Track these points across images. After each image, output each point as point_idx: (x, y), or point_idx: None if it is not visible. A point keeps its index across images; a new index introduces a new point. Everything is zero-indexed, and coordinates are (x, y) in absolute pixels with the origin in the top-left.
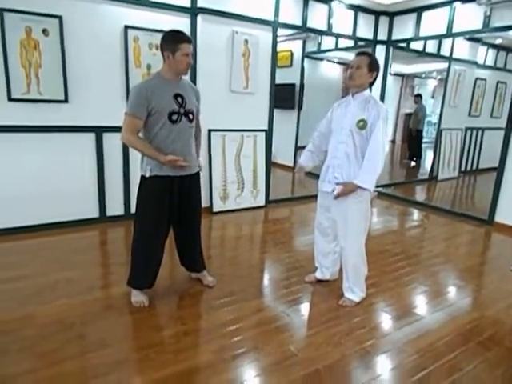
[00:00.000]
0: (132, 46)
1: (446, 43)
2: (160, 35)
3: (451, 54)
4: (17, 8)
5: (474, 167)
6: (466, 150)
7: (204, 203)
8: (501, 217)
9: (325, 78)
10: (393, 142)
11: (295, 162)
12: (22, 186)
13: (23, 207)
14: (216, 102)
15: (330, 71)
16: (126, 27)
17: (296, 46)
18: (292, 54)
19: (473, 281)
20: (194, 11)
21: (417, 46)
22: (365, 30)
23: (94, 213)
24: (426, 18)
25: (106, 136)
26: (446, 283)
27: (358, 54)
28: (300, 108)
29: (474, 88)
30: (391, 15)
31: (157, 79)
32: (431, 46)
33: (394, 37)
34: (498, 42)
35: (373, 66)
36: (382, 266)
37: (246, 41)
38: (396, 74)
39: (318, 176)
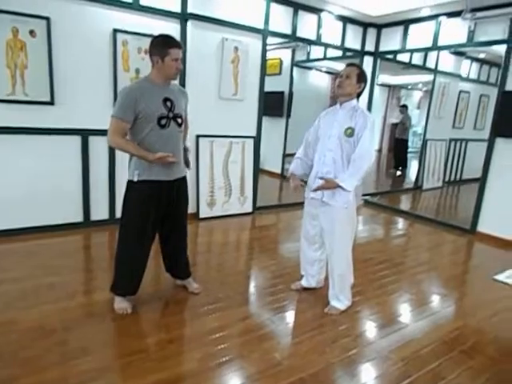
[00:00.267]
0: (121, 50)
1: (432, 56)
2: (149, 40)
3: (436, 66)
4: (3, 8)
5: (458, 177)
6: (450, 160)
7: (191, 209)
8: (483, 226)
9: (313, 86)
10: (379, 151)
11: (283, 169)
12: (5, 189)
13: (5, 210)
14: (205, 107)
15: (318, 80)
16: (115, 31)
17: (285, 55)
18: (281, 63)
19: (456, 289)
20: (184, 17)
21: (403, 57)
22: (353, 41)
23: (78, 217)
24: (412, 31)
25: (92, 139)
26: (430, 292)
27: (348, 65)
28: (288, 116)
29: (458, 100)
30: (379, 27)
31: (145, 83)
32: (417, 58)
33: (382, 48)
34: (482, 56)
35: (361, 78)
36: (367, 274)
37: (236, 48)
38: (383, 85)
39: (305, 183)
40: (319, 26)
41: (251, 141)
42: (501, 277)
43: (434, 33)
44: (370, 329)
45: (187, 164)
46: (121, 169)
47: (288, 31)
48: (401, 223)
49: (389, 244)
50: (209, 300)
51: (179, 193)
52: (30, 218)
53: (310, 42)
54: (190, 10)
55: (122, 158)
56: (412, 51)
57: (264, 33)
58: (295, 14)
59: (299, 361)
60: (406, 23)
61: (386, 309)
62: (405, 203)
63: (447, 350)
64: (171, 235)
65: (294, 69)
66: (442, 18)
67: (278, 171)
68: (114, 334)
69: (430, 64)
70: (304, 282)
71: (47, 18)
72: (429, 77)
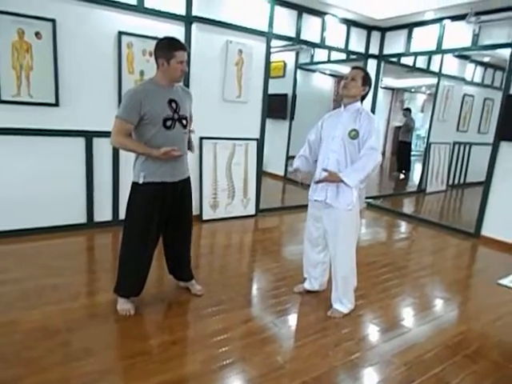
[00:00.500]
0: (125, 52)
1: (436, 59)
2: (154, 42)
3: (440, 69)
4: (10, 10)
5: (462, 181)
6: (454, 164)
7: (194, 211)
8: (487, 230)
9: (317, 89)
10: (382, 154)
11: (286, 171)
12: (9, 190)
13: (10, 211)
14: (208, 110)
15: (322, 83)
16: (120, 33)
17: (289, 57)
18: (285, 65)
19: (460, 294)
20: (188, 19)
21: (407, 61)
22: (357, 44)
23: (81, 218)
24: (416, 34)
25: (97, 141)
26: (434, 296)
27: (354, 68)
28: (292, 118)
29: (462, 104)
30: (383, 30)
31: (151, 85)
32: (421, 62)
33: (386, 51)
34: (486, 59)
35: (366, 81)
36: (370, 277)
37: (240, 50)
38: (386, 88)
39: (308, 186)
40: (323, 29)
41: (254, 143)
42: (505, 281)
43: (438, 36)
44: (372, 332)
45: (191, 147)
46: (124, 170)
47: (292, 34)
48: (404, 226)
49: (392, 247)
50: (211, 302)
51: (183, 194)
52: (34, 219)
53: (313, 45)
54: (194, 12)
55: (125, 159)
56: (416, 54)
57: (268, 35)
58: (299, 16)
59: (302, 364)
60: (410, 26)
61: (389, 312)
62: (408, 206)
63: (451, 355)
64: (175, 237)
65: (298, 71)
66: (446, 22)
67: (282, 173)
68: (116, 336)
69: (434, 67)
70: (307, 285)
71: (53, 20)
72: (432, 80)
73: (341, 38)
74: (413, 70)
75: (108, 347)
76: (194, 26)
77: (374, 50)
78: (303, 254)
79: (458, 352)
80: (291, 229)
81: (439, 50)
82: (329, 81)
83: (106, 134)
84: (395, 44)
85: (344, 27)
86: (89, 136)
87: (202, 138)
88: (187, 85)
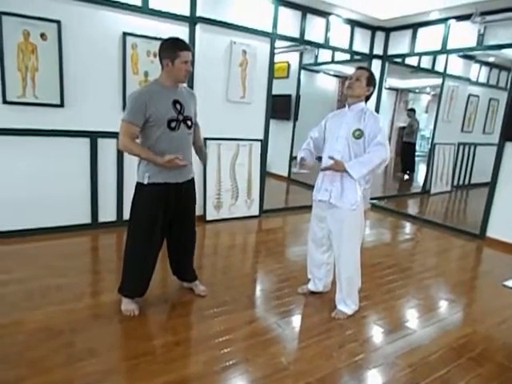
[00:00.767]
0: (130, 53)
1: (441, 59)
2: (158, 43)
3: (445, 70)
4: (15, 11)
5: (467, 182)
6: (459, 164)
7: (198, 212)
8: (492, 231)
9: (321, 90)
10: None
11: (290, 172)
12: (14, 190)
13: (15, 211)
14: (212, 110)
15: (326, 83)
16: (125, 34)
17: (293, 58)
18: (289, 66)
19: (465, 295)
20: (193, 20)
21: (412, 61)
22: (361, 45)
23: (86, 219)
24: (421, 35)
25: (101, 141)
26: (439, 297)
27: (359, 68)
28: (296, 119)
29: (467, 104)
30: (387, 31)
31: (155, 86)
32: (426, 62)
33: (390, 52)
34: (491, 60)
35: (371, 81)
36: (374, 278)
37: (244, 51)
38: (390, 89)
39: (312, 186)
40: (327, 30)
41: (258, 144)
42: (511, 283)
43: (442, 36)
44: (377, 334)
45: (202, 157)
46: (129, 171)
47: (296, 34)
48: (408, 227)
49: (396, 248)
50: (215, 303)
51: (187, 195)
52: (38, 219)
53: (317, 46)
54: (198, 13)
55: (130, 160)
56: (420, 55)
57: (272, 36)
58: (303, 17)
59: (306, 365)
60: (414, 27)
61: (393, 314)
62: (412, 207)
63: (455, 357)
64: (179, 238)
65: (302, 72)
66: (451, 22)
67: (285, 174)
68: (120, 336)
69: (439, 68)
70: (311, 286)
71: (58, 22)
72: (437, 80)
73: (345, 38)
74: (417, 70)
75: (112, 348)
76: (198, 27)
77: (378, 50)
78: (307, 254)
79: (462, 354)
80: (295, 230)
81: (444, 51)
82: (333, 81)
83: (110, 135)
84: (400, 44)
85: (348, 27)
86: (93, 136)
87: (206, 139)
88: (191, 85)
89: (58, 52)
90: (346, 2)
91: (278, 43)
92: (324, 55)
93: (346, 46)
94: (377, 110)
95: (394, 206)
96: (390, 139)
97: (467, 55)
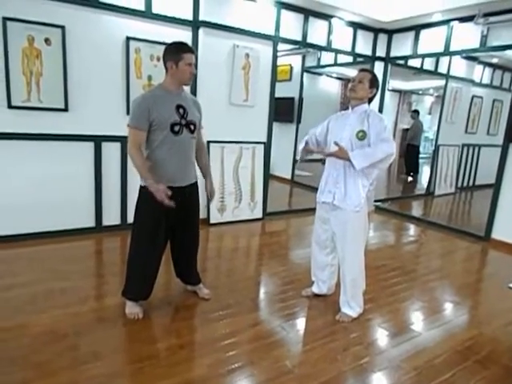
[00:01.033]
0: (133, 57)
1: (444, 61)
2: (161, 47)
3: (448, 71)
4: (20, 17)
5: (471, 183)
6: (463, 166)
7: (201, 215)
8: (497, 233)
9: (323, 92)
10: None
11: (293, 174)
12: (18, 194)
13: (19, 215)
14: (216, 114)
15: (328, 86)
16: (128, 38)
17: (296, 61)
18: (292, 69)
19: (470, 298)
20: (195, 24)
21: (415, 63)
22: (364, 47)
23: (90, 222)
24: (423, 36)
25: (105, 145)
26: (443, 299)
27: (362, 70)
28: (298, 121)
29: (471, 105)
30: (390, 33)
31: (158, 90)
32: (429, 64)
33: (393, 54)
34: (495, 61)
35: (374, 83)
36: (379, 280)
37: (247, 54)
38: (394, 90)
39: (316, 189)
40: (330, 32)
41: (261, 146)
42: None
43: (445, 38)
44: (381, 337)
45: (211, 194)
46: (133, 174)
47: (298, 37)
48: (412, 229)
49: (400, 250)
50: (219, 306)
51: (191, 198)
52: (43, 223)
53: (320, 48)
54: (201, 17)
55: None
56: (423, 56)
57: (275, 39)
58: (306, 20)
59: (310, 369)
60: (417, 28)
61: (398, 317)
62: (416, 209)
63: (461, 360)
64: (182, 241)
65: (305, 75)
66: (454, 23)
67: (289, 177)
68: (124, 339)
69: (442, 69)
70: (315, 289)
71: (62, 27)
72: (440, 82)
73: (347, 40)
74: (420, 72)
75: (116, 351)
76: (201, 31)
77: (380, 52)
78: (311, 256)
79: (468, 357)
80: (298, 232)
81: (447, 52)
82: (335, 84)
83: (114, 139)
84: (402, 46)
85: (350, 30)
86: (97, 140)
87: (209, 142)
88: (195, 89)
89: (62, 57)
90: (348, 5)
91: (281, 46)
92: (326, 58)
93: (349, 49)
94: (380, 112)
95: (398, 207)
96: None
97: (470, 56)
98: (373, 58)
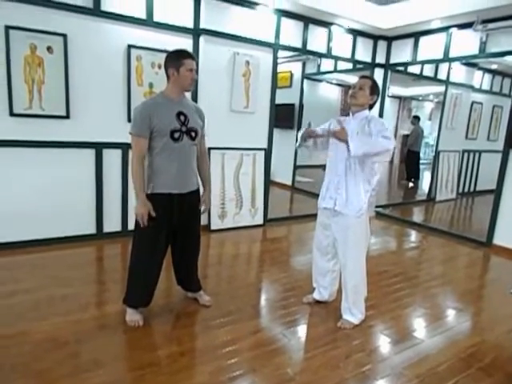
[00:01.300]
0: (135, 65)
1: (443, 67)
2: (163, 55)
3: (448, 77)
4: (22, 26)
5: (472, 189)
6: (464, 171)
7: (202, 221)
8: (499, 239)
9: (324, 98)
10: (391, 162)
11: (294, 180)
12: (20, 201)
13: (21, 222)
14: (216, 120)
15: (328, 92)
16: (130, 46)
17: (296, 68)
18: (292, 75)
19: (472, 304)
20: (196, 32)
21: (414, 69)
22: (363, 54)
23: (90, 229)
24: (423, 43)
25: (106, 152)
26: (446, 306)
27: (362, 77)
28: (299, 128)
29: (471, 111)
30: (389, 39)
31: (159, 98)
32: (428, 70)
33: (392, 60)
34: (494, 67)
35: (374, 90)
36: (380, 287)
37: (247, 62)
38: (394, 96)
39: (317, 195)
40: (329, 39)
41: (262, 153)
42: None
43: (444, 44)
44: (384, 344)
45: (205, 204)
46: None
47: (298, 45)
48: (414, 235)
49: (402, 257)
50: (220, 313)
51: (191, 205)
52: (44, 230)
53: (320, 55)
54: (202, 25)
55: None
56: (423, 63)
57: (275, 47)
58: (305, 27)
59: (312, 376)
60: (416, 35)
61: (400, 323)
62: (417, 215)
63: (464, 367)
64: (183, 248)
65: (305, 81)
66: (453, 30)
67: (289, 183)
68: (125, 347)
69: (442, 75)
70: (316, 295)
71: (64, 35)
72: (440, 88)
73: (347, 47)
74: (420, 78)
75: (117, 358)
76: (201, 39)
77: (380, 59)
78: (312, 262)
79: (471, 364)
80: (299, 239)
81: (446, 59)
82: (335, 90)
83: (115, 146)
84: (402, 53)
85: (350, 37)
86: (99, 147)
87: (210, 149)
88: (195, 96)
89: (64, 65)
90: (347, 12)
91: (281, 53)
92: (326, 64)
93: (349, 56)
94: (380, 118)
95: (399, 213)
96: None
97: (470, 62)
98: (373, 65)
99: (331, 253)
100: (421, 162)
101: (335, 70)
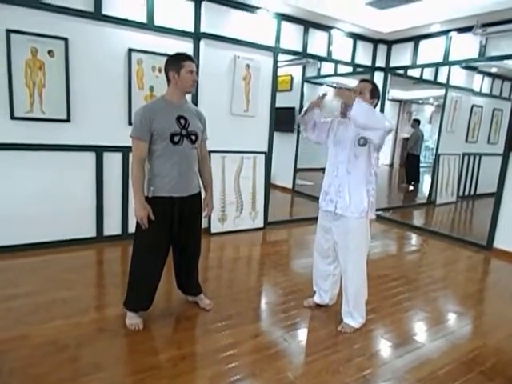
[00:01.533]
0: (135, 69)
1: (443, 71)
2: (163, 58)
3: (448, 81)
4: (24, 29)
5: (472, 192)
6: (464, 175)
7: (202, 224)
8: (499, 243)
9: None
10: (391, 166)
11: (294, 184)
12: (20, 204)
13: (21, 225)
14: (217, 124)
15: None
16: (130, 50)
17: (296, 71)
18: (292, 79)
19: (473, 308)
20: (197, 36)
21: (414, 73)
22: (363, 57)
23: (91, 232)
24: (423, 47)
25: (107, 155)
26: (447, 310)
27: (362, 81)
28: (299, 131)
29: (471, 114)
30: (389, 43)
31: (160, 102)
32: (428, 74)
33: (392, 64)
34: (494, 70)
35: (374, 94)
36: (381, 290)
37: (248, 65)
38: (394, 100)
39: (317, 198)
40: (329, 43)
41: (262, 156)
42: None
43: (444, 48)
44: (384, 348)
45: (207, 208)
46: None
47: (299, 48)
48: (414, 239)
49: (403, 260)
50: (220, 316)
51: (192, 209)
52: (44, 233)
53: (320, 59)
54: (202, 29)
55: None
56: (423, 67)
57: (275, 50)
58: (306, 31)
59: (312, 380)
60: (416, 39)
61: (401, 327)
62: (418, 218)
63: (465, 371)
64: (184, 251)
65: (305, 85)
66: (453, 34)
67: (290, 186)
68: (126, 350)
69: (442, 79)
70: (317, 299)
71: (65, 39)
72: (440, 91)
73: (347, 51)
74: (420, 81)
75: (117, 362)
76: (202, 42)
77: (380, 62)
78: (313, 266)
79: (473, 368)
80: (300, 242)
81: (446, 62)
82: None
83: (116, 149)
84: (402, 56)
85: (350, 41)
86: (99, 151)
87: (210, 152)
88: (196, 99)
89: (64, 68)
90: (347, 16)
91: (281, 57)
92: (326, 68)
93: (349, 59)
94: None
95: (400, 217)
96: (393, 150)
97: (470, 66)
98: (372, 68)
99: (332, 256)
100: (421, 165)
101: (335, 74)
